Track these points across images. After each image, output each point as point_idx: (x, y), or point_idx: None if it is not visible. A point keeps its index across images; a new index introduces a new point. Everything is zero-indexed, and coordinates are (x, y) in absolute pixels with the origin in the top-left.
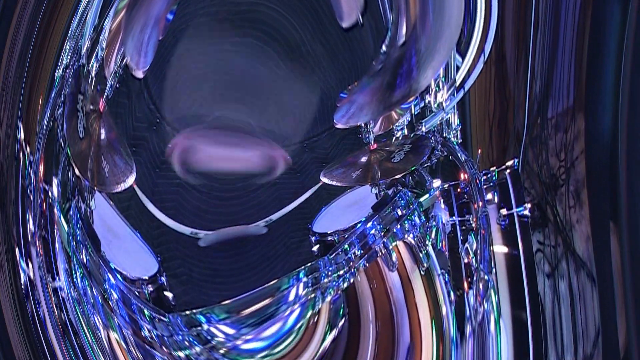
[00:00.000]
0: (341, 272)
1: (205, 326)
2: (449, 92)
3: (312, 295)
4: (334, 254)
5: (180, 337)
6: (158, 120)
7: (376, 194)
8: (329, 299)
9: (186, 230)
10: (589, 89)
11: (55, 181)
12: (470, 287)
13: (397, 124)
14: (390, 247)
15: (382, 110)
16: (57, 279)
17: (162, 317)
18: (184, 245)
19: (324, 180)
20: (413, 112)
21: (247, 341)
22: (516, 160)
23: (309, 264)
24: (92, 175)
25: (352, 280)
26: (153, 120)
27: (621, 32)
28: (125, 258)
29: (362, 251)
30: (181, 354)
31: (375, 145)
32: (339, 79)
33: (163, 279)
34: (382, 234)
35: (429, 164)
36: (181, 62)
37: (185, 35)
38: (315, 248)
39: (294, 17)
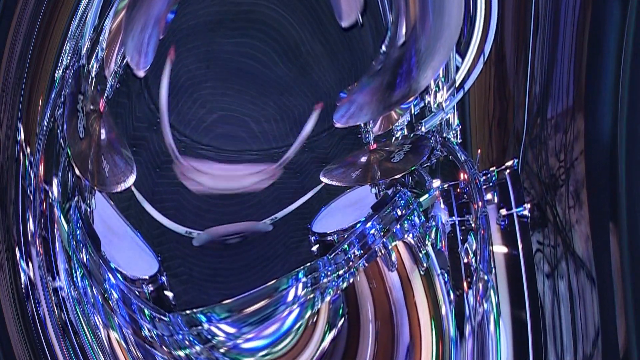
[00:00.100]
0: (341, 272)
1: (206, 325)
2: (449, 92)
3: (312, 295)
4: (333, 254)
5: (180, 336)
6: (158, 120)
7: (376, 194)
8: (328, 298)
9: (184, 230)
10: (589, 89)
11: (55, 181)
12: (469, 287)
13: (396, 124)
14: (390, 247)
15: (382, 110)
16: (57, 278)
17: (163, 317)
18: (184, 245)
19: (324, 180)
20: (413, 112)
21: (248, 340)
22: (516, 161)
23: (308, 264)
24: (93, 175)
25: (351, 280)
26: (153, 120)
27: (621, 32)
28: (126, 258)
29: (362, 251)
30: (181, 353)
31: (375, 145)
32: (338, 78)
33: (163, 278)
34: (382, 233)
35: (428, 164)
36: (181, 62)
37: (186, 35)
38: (314, 248)
39: (294, 16)
